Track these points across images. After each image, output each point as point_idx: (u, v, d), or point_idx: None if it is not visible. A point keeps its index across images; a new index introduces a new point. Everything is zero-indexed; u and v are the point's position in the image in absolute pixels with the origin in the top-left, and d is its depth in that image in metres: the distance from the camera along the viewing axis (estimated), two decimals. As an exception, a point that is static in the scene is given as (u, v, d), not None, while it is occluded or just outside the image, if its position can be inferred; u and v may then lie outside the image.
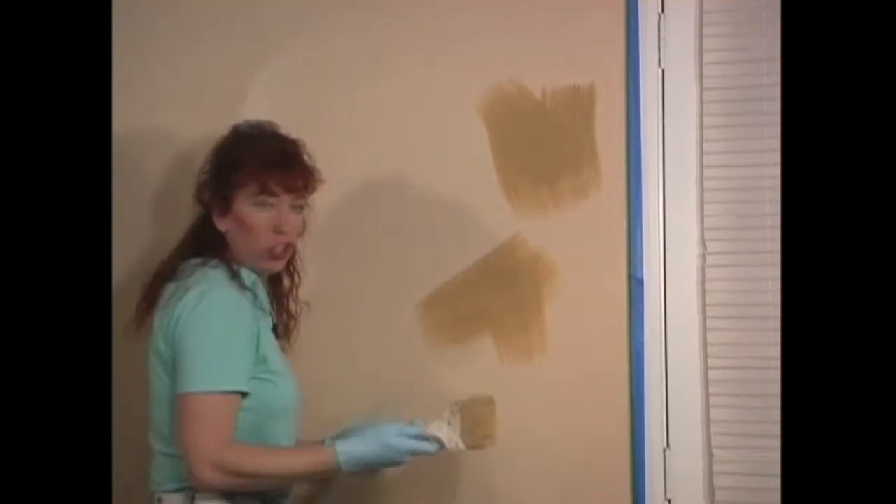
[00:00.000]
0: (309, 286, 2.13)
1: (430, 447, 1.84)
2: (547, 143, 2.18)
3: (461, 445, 1.86)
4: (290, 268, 2.06)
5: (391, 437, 1.81)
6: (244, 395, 1.81)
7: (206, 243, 1.94)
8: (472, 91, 2.20)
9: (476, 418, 1.87)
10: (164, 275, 1.94)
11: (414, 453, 1.84)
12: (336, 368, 2.19)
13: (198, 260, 1.91)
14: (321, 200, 2.11)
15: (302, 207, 1.96)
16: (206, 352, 1.78)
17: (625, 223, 2.15)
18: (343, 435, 1.88)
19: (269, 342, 1.91)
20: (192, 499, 1.80)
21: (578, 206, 2.16)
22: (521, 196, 2.18)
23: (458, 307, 2.18)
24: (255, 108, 2.23)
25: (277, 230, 1.91)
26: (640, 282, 2.14)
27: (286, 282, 2.07)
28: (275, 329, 1.99)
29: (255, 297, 1.91)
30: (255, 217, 1.90)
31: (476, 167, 2.19)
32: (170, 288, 1.89)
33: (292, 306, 2.08)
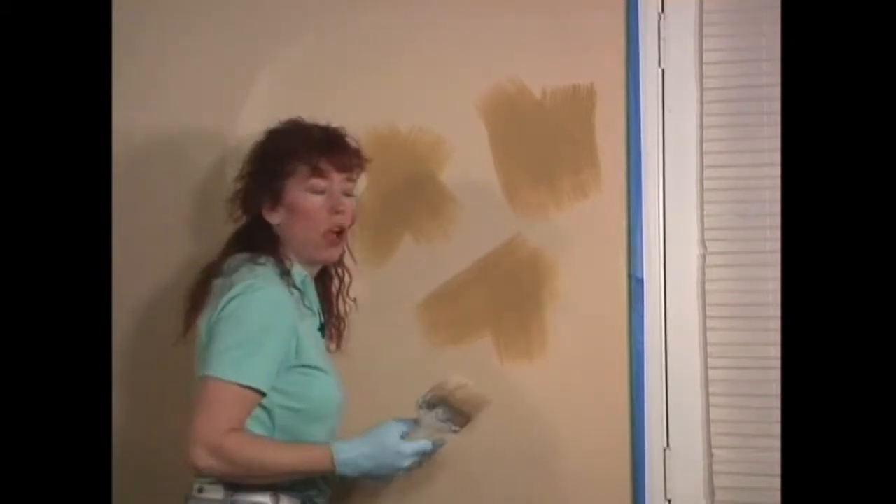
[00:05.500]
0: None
1: (427, 445, 1.83)
2: (547, 143, 2.18)
3: (455, 428, 1.85)
4: (340, 268, 2.04)
5: (388, 436, 1.80)
6: (262, 395, 1.78)
7: (255, 241, 1.90)
8: (472, 91, 2.20)
9: (456, 404, 1.85)
10: (210, 272, 1.90)
11: (414, 453, 1.82)
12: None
13: (245, 255, 1.88)
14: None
15: (351, 195, 1.95)
16: (237, 343, 1.76)
17: (625, 223, 2.15)
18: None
19: (313, 342, 1.89)
20: (235, 490, 1.78)
21: (578, 206, 2.16)
22: (521, 196, 2.18)
23: (458, 307, 2.18)
24: (256, 107, 2.23)
25: (333, 210, 1.90)
26: (640, 282, 2.14)
27: (335, 283, 2.04)
28: (321, 329, 1.97)
29: (303, 296, 1.90)
30: (310, 201, 1.89)
31: (476, 167, 2.19)
32: (216, 284, 1.86)
33: (341, 307, 2.06)
